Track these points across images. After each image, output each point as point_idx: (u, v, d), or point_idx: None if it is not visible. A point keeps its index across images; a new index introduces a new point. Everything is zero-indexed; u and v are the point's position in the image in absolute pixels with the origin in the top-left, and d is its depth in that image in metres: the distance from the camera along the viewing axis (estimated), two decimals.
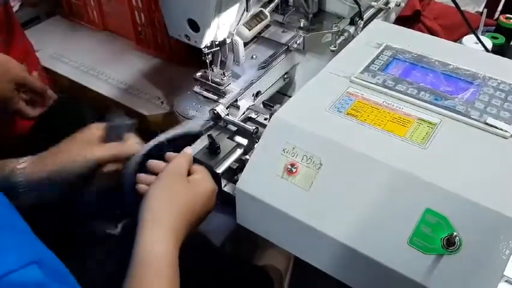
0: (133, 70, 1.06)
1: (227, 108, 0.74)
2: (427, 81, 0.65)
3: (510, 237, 0.48)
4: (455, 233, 0.49)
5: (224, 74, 0.83)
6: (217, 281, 0.91)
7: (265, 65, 0.87)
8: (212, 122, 0.75)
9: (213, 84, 0.83)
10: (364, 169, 0.55)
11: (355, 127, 0.59)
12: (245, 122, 0.75)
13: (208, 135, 0.70)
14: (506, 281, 0.58)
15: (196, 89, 0.85)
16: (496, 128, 0.57)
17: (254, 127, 0.71)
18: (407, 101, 0.62)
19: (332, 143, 0.57)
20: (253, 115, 0.77)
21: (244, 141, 0.71)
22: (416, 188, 0.53)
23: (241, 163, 0.70)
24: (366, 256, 0.53)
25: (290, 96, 0.91)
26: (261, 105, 0.82)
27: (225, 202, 0.69)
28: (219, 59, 0.84)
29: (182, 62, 1.05)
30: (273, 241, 0.63)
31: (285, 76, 0.92)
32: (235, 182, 0.67)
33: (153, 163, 0.67)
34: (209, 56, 0.80)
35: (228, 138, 0.72)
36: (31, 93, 0.83)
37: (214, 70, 0.83)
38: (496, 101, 0.61)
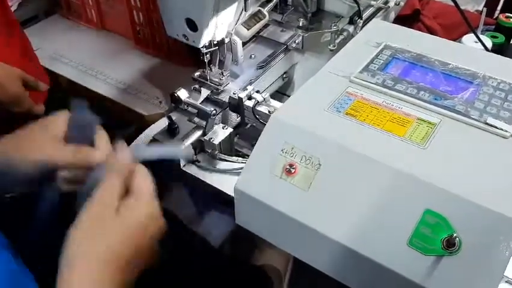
0: (131, 70, 1.06)
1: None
2: (427, 80, 0.64)
3: (510, 238, 0.48)
4: (455, 234, 0.49)
5: (222, 74, 0.82)
6: (216, 282, 0.91)
7: (263, 65, 0.87)
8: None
9: (212, 84, 0.82)
10: (363, 169, 0.55)
11: (354, 127, 0.59)
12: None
13: (167, 117, 0.72)
14: (506, 282, 0.58)
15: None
16: (496, 127, 0.57)
17: (213, 109, 0.75)
18: (406, 101, 0.62)
19: (331, 143, 0.57)
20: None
21: (203, 123, 0.75)
22: (416, 189, 0.52)
23: (200, 144, 0.74)
24: (365, 257, 0.53)
25: (289, 96, 0.91)
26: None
27: (224, 202, 0.69)
28: (218, 58, 0.84)
29: (181, 62, 1.04)
30: (271, 242, 0.62)
31: (284, 76, 0.92)
32: (193, 162, 0.72)
33: None
34: (207, 55, 0.80)
35: (188, 120, 0.76)
36: (30, 89, 0.82)
37: (213, 70, 0.83)
38: (495, 101, 0.61)
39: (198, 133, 0.74)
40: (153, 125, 0.78)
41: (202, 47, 0.78)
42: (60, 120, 0.57)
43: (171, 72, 1.04)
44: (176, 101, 0.78)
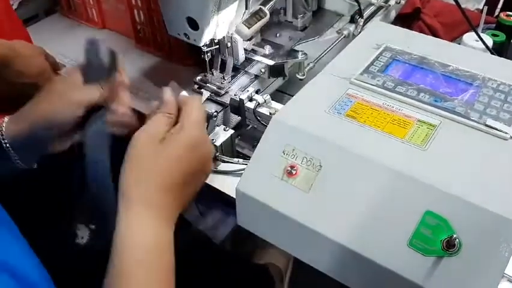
0: (132, 69, 1.05)
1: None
2: (427, 82, 0.65)
3: (510, 239, 0.48)
4: (455, 235, 0.49)
5: (224, 78, 0.83)
6: (218, 279, 0.92)
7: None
8: None
9: (213, 87, 0.83)
10: (364, 171, 0.56)
11: (355, 129, 0.59)
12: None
13: None
14: (508, 280, 0.59)
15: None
16: (496, 129, 0.57)
17: (214, 111, 0.75)
18: (406, 103, 0.62)
19: (332, 145, 0.57)
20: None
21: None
22: (416, 190, 0.53)
23: None
24: (365, 258, 0.53)
25: (290, 94, 0.91)
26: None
27: (226, 202, 0.69)
28: (219, 58, 0.84)
29: (182, 61, 1.04)
30: (273, 242, 0.63)
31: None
32: None
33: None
34: (208, 54, 0.80)
35: None
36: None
37: (214, 74, 0.83)
38: (495, 102, 0.61)
39: None
40: None
41: (203, 46, 0.78)
42: (73, 70, 0.61)
43: (172, 71, 1.04)
44: None
